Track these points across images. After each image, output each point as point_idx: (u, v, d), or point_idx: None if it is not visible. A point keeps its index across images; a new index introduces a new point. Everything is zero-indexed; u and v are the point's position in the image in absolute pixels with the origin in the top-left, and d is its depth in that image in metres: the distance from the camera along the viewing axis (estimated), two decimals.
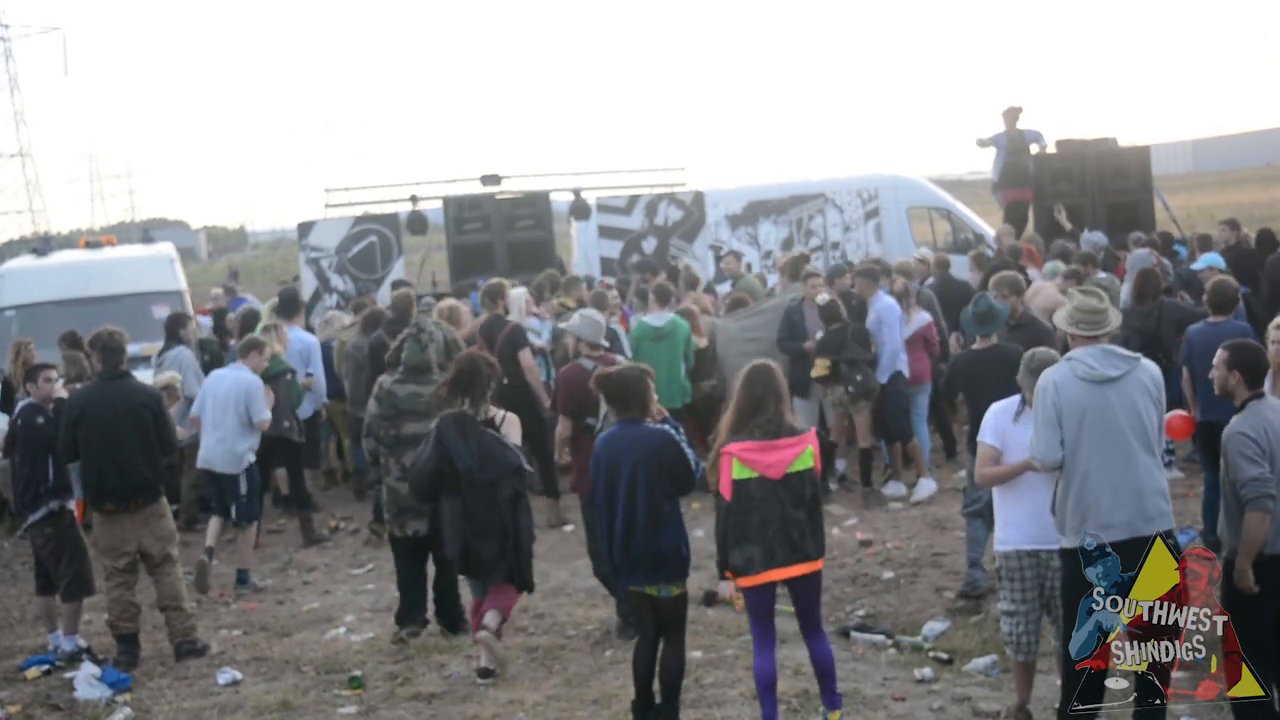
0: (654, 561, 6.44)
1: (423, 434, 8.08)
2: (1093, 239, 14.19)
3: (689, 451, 6.54)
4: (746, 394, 6.35)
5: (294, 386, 11.51)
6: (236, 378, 10.33)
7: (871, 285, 11.54)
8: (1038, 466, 6.02)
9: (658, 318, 11.40)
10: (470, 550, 7.49)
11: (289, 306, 12.82)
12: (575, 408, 8.38)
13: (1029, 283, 11.96)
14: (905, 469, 11.75)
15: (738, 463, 6.23)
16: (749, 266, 18.24)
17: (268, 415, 10.40)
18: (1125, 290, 12.20)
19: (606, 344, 9.01)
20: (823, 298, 11.48)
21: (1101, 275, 12.63)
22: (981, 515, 8.31)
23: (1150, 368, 5.91)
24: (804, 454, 6.26)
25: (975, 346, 8.72)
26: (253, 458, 10.37)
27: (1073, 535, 5.79)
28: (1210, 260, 12.40)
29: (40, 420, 8.68)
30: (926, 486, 11.34)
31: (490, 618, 7.51)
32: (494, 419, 7.67)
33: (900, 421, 11.49)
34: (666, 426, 6.61)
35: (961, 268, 14.66)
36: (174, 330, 12.29)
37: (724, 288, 15.59)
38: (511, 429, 7.74)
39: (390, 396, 8.41)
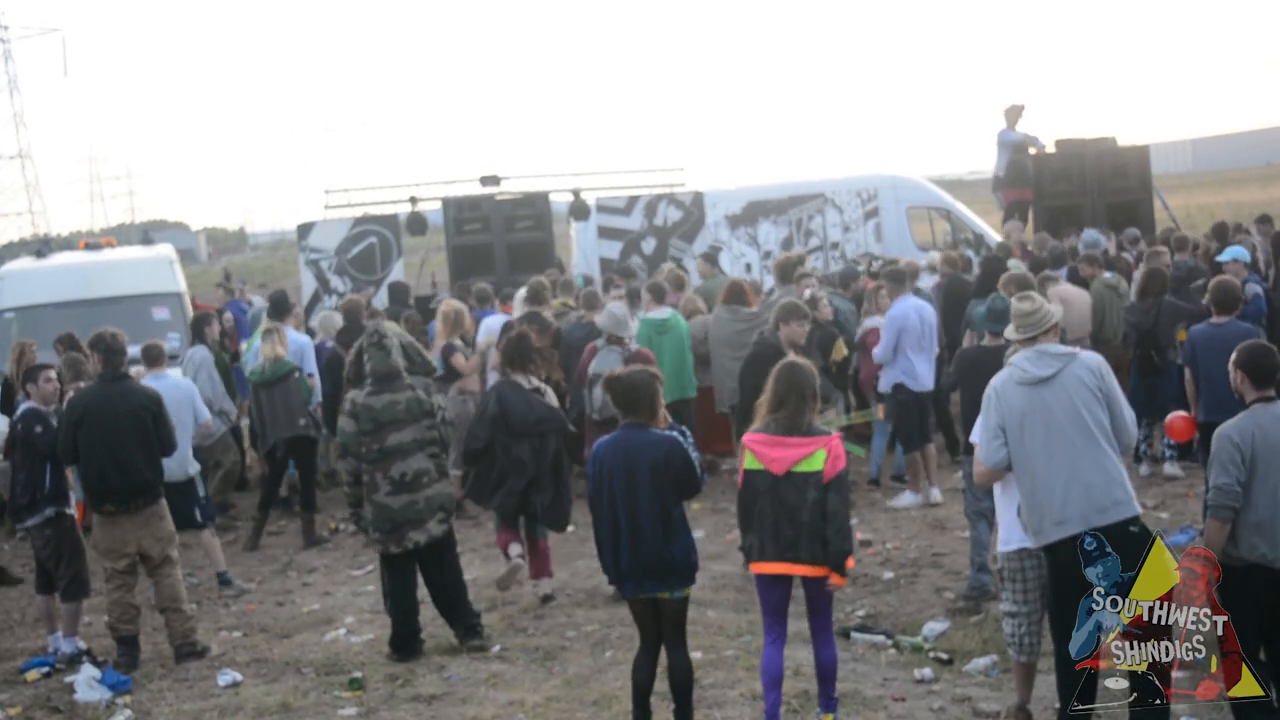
0: (666, 568, 6.39)
1: (408, 442, 8.05)
2: (1089, 238, 14.16)
3: (696, 457, 6.50)
4: (774, 389, 6.44)
5: (303, 384, 11.53)
6: (170, 385, 9.93)
7: (896, 288, 11.48)
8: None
9: (659, 312, 11.77)
10: (524, 493, 8.83)
11: (280, 308, 12.82)
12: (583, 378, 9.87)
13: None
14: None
15: (749, 454, 6.35)
16: (748, 266, 18.22)
17: (208, 415, 10.47)
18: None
19: (627, 334, 10.18)
20: (807, 294, 11.50)
21: (1108, 275, 12.61)
22: (985, 517, 8.30)
23: (1088, 360, 5.96)
24: (813, 456, 6.25)
25: (984, 343, 8.75)
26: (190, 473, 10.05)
27: (1034, 535, 5.96)
28: (1235, 253, 12.36)
29: (39, 429, 8.65)
30: (908, 498, 11.26)
31: (515, 548, 8.99)
32: (538, 388, 9.02)
33: (904, 430, 11.48)
34: (674, 433, 6.58)
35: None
36: (199, 329, 12.32)
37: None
38: (551, 397, 9.13)
39: (367, 410, 8.03)
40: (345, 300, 13.12)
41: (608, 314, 10.21)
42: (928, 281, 14.43)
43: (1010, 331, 6.21)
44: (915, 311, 11.29)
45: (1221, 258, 12.44)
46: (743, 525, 6.47)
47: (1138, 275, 12.15)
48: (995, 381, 6.09)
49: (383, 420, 8.05)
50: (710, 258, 15.45)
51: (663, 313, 11.78)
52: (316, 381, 12.26)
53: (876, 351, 11.36)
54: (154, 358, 10.31)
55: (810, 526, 6.23)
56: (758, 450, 6.33)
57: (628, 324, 10.14)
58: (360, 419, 8.06)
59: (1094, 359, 6.00)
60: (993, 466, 6.07)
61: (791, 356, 6.86)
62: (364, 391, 8.15)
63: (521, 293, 12.67)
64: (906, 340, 11.19)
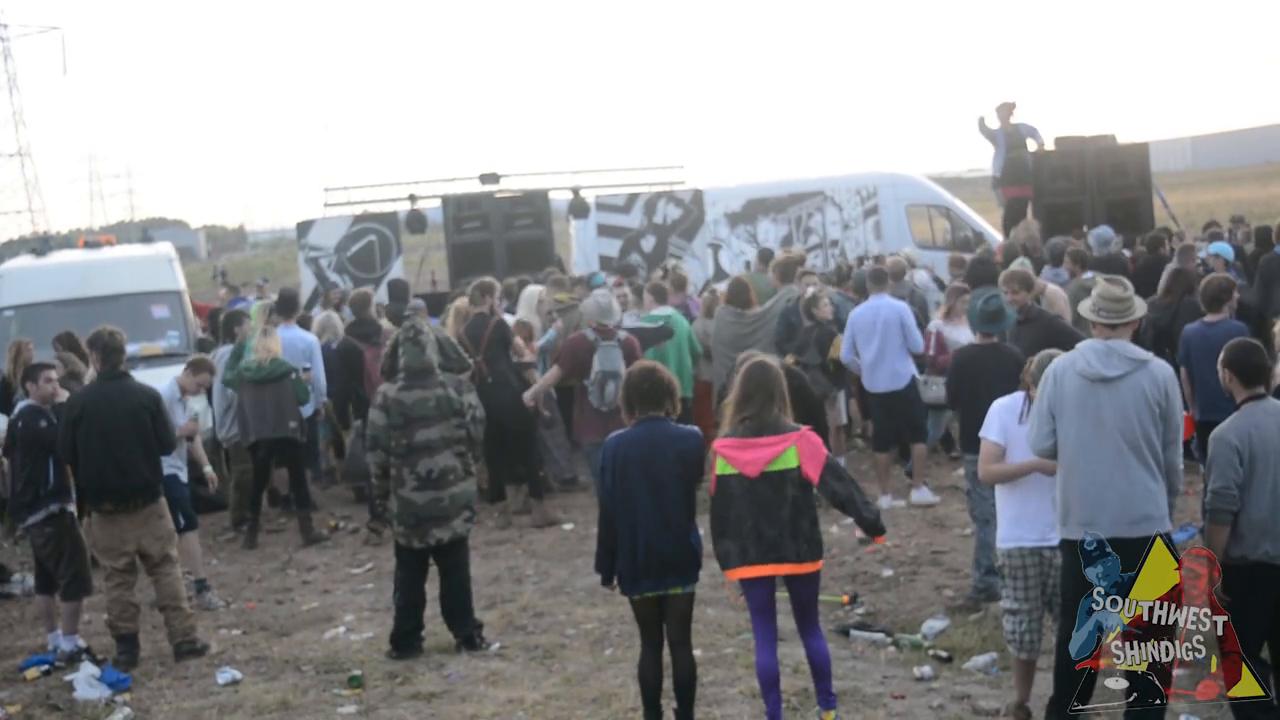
0: (689, 560, 6.41)
1: (436, 440, 8.07)
2: (1103, 235, 14.13)
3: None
4: (741, 390, 6.39)
5: (299, 386, 11.47)
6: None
7: (873, 288, 11.51)
8: (1040, 460, 6.05)
9: (660, 310, 11.90)
10: None
11: (287, 305, 12.81)
12: (573, 368, 10.27)
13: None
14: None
15: (720, 459, 6.29)
16: (747, 265, 18.26)
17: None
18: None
19: (613, 322, 10.30)
20: (809, 291, 11.53)
21: (1087, 275, 12.60)
22: (990, 520, 8.28)
23: (1157, 372, 5.77)
24: (785, 453, 6.20)
25: (976, 342, 8.71)
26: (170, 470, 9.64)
27: (1062, 527, 5.88)
28: (1218, 249, 12.38)
29: (43, 424, 8.64)
30: (884, 502, 11.13)
31: None
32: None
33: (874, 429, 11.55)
34: (693, 427, 6.65)
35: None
36: (229, 328, 12.31)
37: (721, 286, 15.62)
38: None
39: (398, 405, 8.06)
40: (355, 293, 13.09)
41: (593, 303, 10.36)
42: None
43: (1088, 311, 6.01)
44: (872, 312, 11.25)
45: (1203, 253, 12.53)
46: (716, 533, 6.33)
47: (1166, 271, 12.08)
48: (1056, 365, 5.92)
49: (412, 416, 8.07)
50: (766, 256, 15.46)
51: (663, 311, 11.87)
52: (319, 381, 12.21)
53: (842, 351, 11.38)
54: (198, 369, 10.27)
55: (791, 524, 6.19)
56: (729, 455, 6.26)
57: (612, 312, 10.22)
58: (391, 413, 8.09)
59: (1164, 372, 5.79)
60: (1038, 450, 5.95)
61: (759, 356, 6.80)
62: (396, 386, 8.18)
63: (529, 290, 12.71)
64: (859, 340, 11.21)
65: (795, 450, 6.19)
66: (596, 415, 10.13)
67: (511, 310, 13.10)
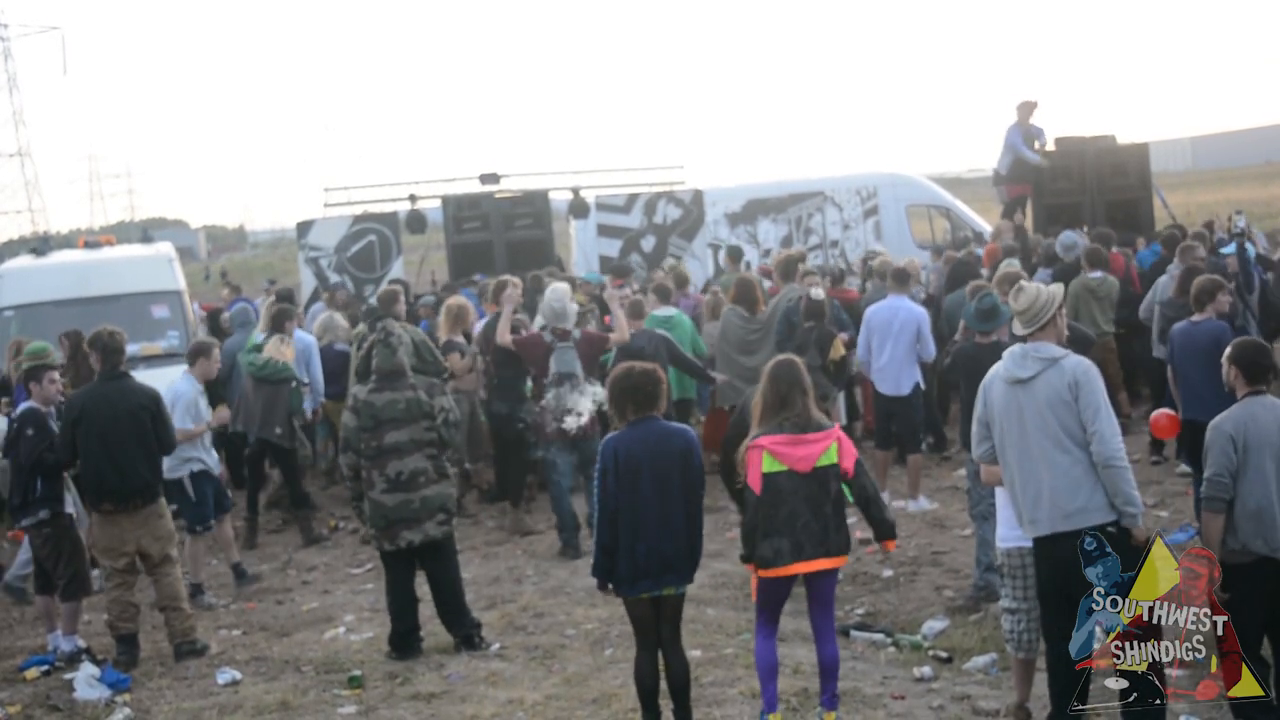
0: (689, 560, 6.44)
1: (405, 442, 8.05)
2: (1066, 240, 14.14)
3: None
4: (772, 389, 6.42)
5: (294, 395, 11.46)
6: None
7: (897, 286, 11.54)
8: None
9: (664, 310, 11.94)
10: None
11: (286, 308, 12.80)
12: (530, 360, 10.40)
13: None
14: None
15: (768, 456, 6.30)
16: (747, 265, 18.26)
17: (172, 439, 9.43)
18: (1164, 284, 12.16)
19: (568, 325, 10.27)
20: (815, 292, 11.51)
21: (1096, 275, 12.62)
22: (989, 517, 8.29)
23: (1069, 366, 5.84)
24: (830, 449, 6.33)
25: (978, 341, 8.74)
26: (199, 465, 9.88)
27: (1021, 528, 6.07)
28: (1231, 249, 12.40)
29: (29, 432, 8.59)
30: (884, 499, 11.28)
31: None
32: None
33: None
34: (687, 426, 6.66)
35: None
36: (279, 323, 12.28)
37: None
38: None
39: (368, 407, 8.05)
40: (383, 291, 13.10)
41: (547, 305, 10.37)
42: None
43: (1017, 328, 6.17)
44: (890, 312, 11.26)
45: (1225, 250, 12.58)
46: (762, 532, 6.32)
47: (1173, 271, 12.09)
48: (988, 375, 6.17)
49: (382, 418, 8.05)
50: (735, 254, 15.45)
51: (667, 311, 11.86)
52: (317, 381, 12.21)
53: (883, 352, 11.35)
54: (196, 355, 10.17)
55: (834, 518, 6.33)
56: (779, 451, 6.28)
57: (566, 315, 10.23)
58: (361, 415, 8.09)
59: (1078, 366, 5.87)
60: (977, 459, 6.24)
61: (785, 356, 6.84)
62: (367, 388, 8.17)
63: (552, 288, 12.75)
64: (875, 340, 11.22)
65: (835, 447, 6.35)
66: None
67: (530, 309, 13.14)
